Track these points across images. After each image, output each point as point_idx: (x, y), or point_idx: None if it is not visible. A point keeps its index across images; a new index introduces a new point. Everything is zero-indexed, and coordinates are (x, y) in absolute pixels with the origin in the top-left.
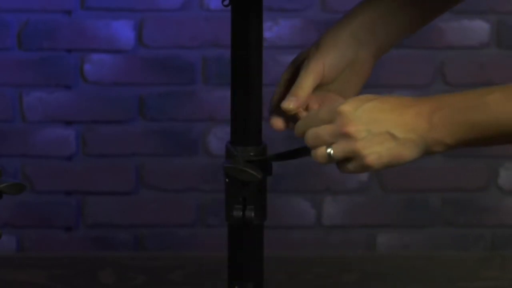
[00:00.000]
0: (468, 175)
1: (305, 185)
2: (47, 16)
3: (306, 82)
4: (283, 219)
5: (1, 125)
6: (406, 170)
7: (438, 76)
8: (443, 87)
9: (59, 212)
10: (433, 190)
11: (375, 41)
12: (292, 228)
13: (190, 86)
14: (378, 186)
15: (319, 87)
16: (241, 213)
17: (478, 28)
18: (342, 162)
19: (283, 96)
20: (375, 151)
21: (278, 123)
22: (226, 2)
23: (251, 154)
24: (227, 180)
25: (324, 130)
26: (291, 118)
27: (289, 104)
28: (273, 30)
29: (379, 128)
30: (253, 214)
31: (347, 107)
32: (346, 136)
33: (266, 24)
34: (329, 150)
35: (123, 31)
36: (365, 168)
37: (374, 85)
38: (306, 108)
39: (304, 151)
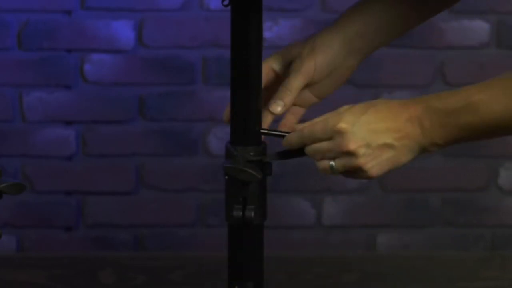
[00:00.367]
0: (468, 175)
1: (305, 185)
2: (47, 16)
3: (295, 85)
4: (283, 219)
5: (1, 125)
6: (406, 170)
7: (438, 76)
8: (443, 87)
9: (59, 212)
10: (433, 190)
11: (366, 48)
12: (292, 228)
13: (190, 86)
14: (378, 186)
15: None
16: (241, 213)
17: (478, 28)
18: (345, 173)
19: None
20: (376, 164)
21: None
22: (226, 2)
23: (251, 154)
24: (227, 180)
25: (324, 147)
26: None
27: (277, 108)
28: (273, 30)
29: (377, 141)
30: (253, 214)
31: (344, 125)
32: (347, 154)
33: (266, 24)
34: (331, 163)
35: (123, 31)
36: (367, 178)
37: (374, 85)
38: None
39: (301, 151)
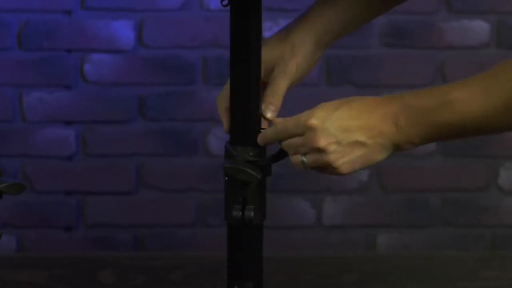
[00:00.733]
0: (468, 175)
1: (305, 185)
2: (47, 16)
3: (283, 88)
4: (283, 219)
5: (1, 125)
6: (406, 170)
7: (438, 76)
8: None
9: (59, 212)
10: (433, 190)
11: (332, 41)
12: (292, 228)
13: (190, 86)
14: (378, 186)
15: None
16: (241, 213)
17: (478, 28)
18: (316, 169)
19: None
20: (346, 161)
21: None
22: (225, 2)
23: (250, 154)
24: (226, 180)
25: (296, 142)
26: None
27: (270, 113)
28: (273, 30)
29: (348, 138)
30: (252, 214)
31: (315, 121)
32: (318, 150)
33: (266, 24)
34: (303, 158)
35: (123, 31)
36: (339, 174)
37: (374, 85)
38: None
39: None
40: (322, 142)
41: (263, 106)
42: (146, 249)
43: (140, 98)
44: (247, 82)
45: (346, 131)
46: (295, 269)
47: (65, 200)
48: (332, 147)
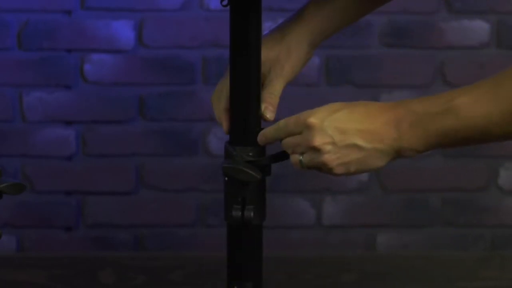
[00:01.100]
0: (468, 175)
1: (304, 185)
2: (47, 16)
3: (280, 89)
4: (283, 219)
5: (1, 125)
6: (406, 170)
7: (438, 76)
8: (443, 87)
9: (59, 212)
10: (433, 190)
11: (323, 41)
12: (291, 228)
13: (190, 86)
14: (378, 186)
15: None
16: (240, 213)
17: (478, 28)
18: (313, 168)
19: None
20: (341, 163)
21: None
22: (225, 2)
23: (250, 154)
24: (226, 180)
25: (295, 141)
26: None
27: (268, 113)
28: None
29: (345, 140)
30: (252, 214)
31: (314, 119)
32: (314, 149)
33: (266, 24)
34: (300, 158)
35: (123, 31)
36: (335, 175)
37: (374, 85)
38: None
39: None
40: (317, 141)
41: (262, 107)
42: (146, 249)
43: (140, 98)
44: (247, 82)
45: (344, 133)
46: (294, 269)
47: (65, 200)
48: (328, 147)
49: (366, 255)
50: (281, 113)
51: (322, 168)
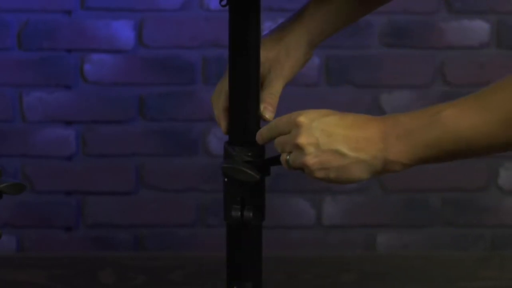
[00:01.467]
0: (468, 175)
1: (304, 185)
2: (47, 16)
3: (279, 89)
4: (283, 219)
5: (1, 125)
6: (406, 170)
7: (438, 76)
8: (443, 87)
9: (59, 212)
10: (433, 190)
11: (322, 41)
12: (291, 228)
13: (190, 86)
14: (378, 186)
15: None
16: (240, 213)
17: (478, 28)
18: (298, 169)
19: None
20: (321, 168)
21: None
22: (223, 2)
23: (249, 154)
24: (225, 180)
25: (283, 139)
26: None
27: (267, 113)
28: None
29: (329, 145)
30: (251, 214)
31: (303, 119)
32: (298, 147)
33: (266, 24)
34: (288, 157)
35: (123, 31)
36: (315, 178)
37: (374, 85)
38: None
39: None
40: (302, 139)
41: (261, 107)
42: (146, 249)
43: (140, 98)
44: (246, 83)
45: (330, 136)
46: (294, 269)
47: (65, 200)
48: (311, 149)
49: (366, 255)
50: (281, 113)
51: (304, 170)
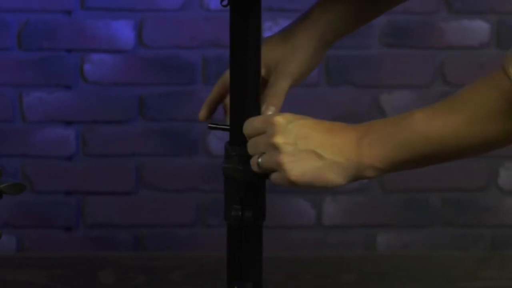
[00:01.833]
0: (468, 175)
1: None
2: (47, 16)
3: (284, 88)
4: (283, 219)
5: (1, 125)
6: (406, 170)
7: (438, 76)
8: (443, 87)
9: (59, 212)
10: (433, 190)
11: (336, 40)
12: (291, 228)
13: (190, 86)
14: (378, 186)
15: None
16: (240, 213)
17: (478, 28)
18: (270, 173)
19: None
20: (297, 167)
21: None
22: (225, 2)
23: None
24: (225, 180)
25: (258, 140)
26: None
27: (269, 112)
28: (273, 30)
29: (306, 145)
30: (251, 214)
31: (280, 119)
32: (274, 147)
33: (266, 24)
34: (259, 159)
35: (123, 31)
36: (289, 182)
37: (374, 85)
38: None
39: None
40: (279, 138)
41: (263, 107)
42: (146, 249)
43: (140, 98)
44: (247, 82)
45: (306, 138)
46: (294, 269)
47: (65, 200)
48: (288, 148)
49: (366, 255)
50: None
51: (277, 169)
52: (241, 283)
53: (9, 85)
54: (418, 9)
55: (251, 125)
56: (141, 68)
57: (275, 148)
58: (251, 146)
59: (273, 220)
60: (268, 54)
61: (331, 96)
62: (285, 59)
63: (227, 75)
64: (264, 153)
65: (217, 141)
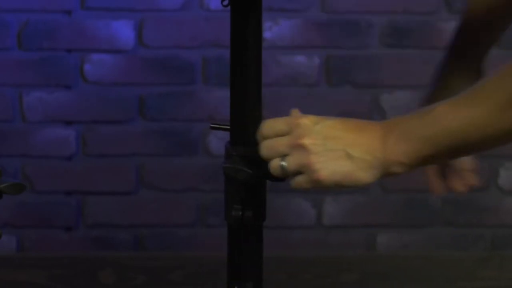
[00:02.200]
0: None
1: None
2: (47, 16)
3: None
4: (283, 219)
5: (1, 125)
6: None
7: None
8: None
9: (59, 212)
10: None
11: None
12: (292, 228)
13: (190, 86)
14: (378, 186)
15: None
16: (240, 213)
17: None
18: (294, 175)
19: None
20: (328, 167)
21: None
22: (225, 3)
23: (250, 154)
24: (226, 180)
25: (279, 142)
26: None
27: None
28: (273, 30)
29: (336, 145)
30: (252, 214)
31: (306, 120)
32: (301, 148)
33: (266, 24)
34: (283, 162)
35: (123, 31)
36: (315, 182)
37: (374, 85)
38: None
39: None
40: (307, 139)
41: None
42: (146, 249)
43: (140, 98)
44: (247, 82)
45: (335, 138)
46: (295, 269)
47: (65, 200)
48: (318, 148)
49: (366, 255)
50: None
51: (304, 171)
52: (241, 283)
53: (9, 85)
54: (418, 9)
55: (271, 126)
56: (141, 68)
57: (303, 149)
58: (268, 148)
59: (273, 220)
60: None
61: (331, 96)
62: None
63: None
64: (286, 155)
65: (217, 141)
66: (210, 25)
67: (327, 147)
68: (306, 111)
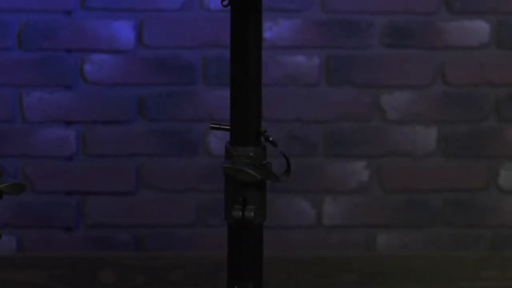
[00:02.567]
0: (468, 175)
1: (305, 185)
2: (47, 16)
3: None
4: (283, 219)
5: (1, 125)
6: (406, 170)
7: (438, 76)
8: (443, 87)
9: (59, 212)
10: (433, 190)
11: None
12: (292, 228)
13: (190, 86)
14: (378, 186)
15: None
16: (241, 213)
17: (478, 28)
18: None
19: None
20: None
21: None
22: (225, 3)
23: (251, 154)
24: (226, 180)
25: None
26: None
27: None
28: (273, 30)
29: None
30: (252, 214)
31: None
32: None
33: (266, 24)
34: None
35: (123, 31)
36: None
37: (374, 85)
38: None
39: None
40: None
41: None
42: (146, 249)
43: (140, 98)
44: (247, 82)
45: None
46: (294, 269)
47: (65, 200)
48: None
49: (366, 255)
50: (281, 113)
51: None
52: (241, 283)
53: (9, 85)
54: (418, 9)
55: None
56: (141, 68)
57: None
58: None
59: (273, 220)
60: None
61: (331, 96)
62: None
63: None
64: None
65: (217, 141)
66: (210, 25)
67: None
68: (306, 111)
